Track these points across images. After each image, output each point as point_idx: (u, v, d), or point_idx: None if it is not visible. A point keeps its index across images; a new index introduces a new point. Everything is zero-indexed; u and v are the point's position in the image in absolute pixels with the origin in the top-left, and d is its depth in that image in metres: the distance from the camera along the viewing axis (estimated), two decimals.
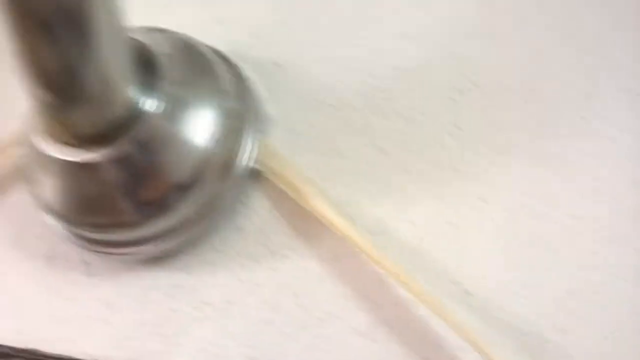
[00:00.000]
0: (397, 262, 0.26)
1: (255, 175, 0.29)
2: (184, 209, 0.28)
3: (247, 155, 0.29)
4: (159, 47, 0.27)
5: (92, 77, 0.24)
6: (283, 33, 0.32)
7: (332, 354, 0.27)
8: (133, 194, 0.28)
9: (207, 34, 0.31)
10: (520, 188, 0.28)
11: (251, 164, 0.29)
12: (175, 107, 0.27)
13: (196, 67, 0.28)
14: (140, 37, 0.28)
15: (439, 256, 0.27)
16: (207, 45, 0.30)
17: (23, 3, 0.21)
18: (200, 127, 0.27)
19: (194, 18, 0.33)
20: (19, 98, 0.34)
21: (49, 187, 0.29)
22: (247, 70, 0.31)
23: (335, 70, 0.31)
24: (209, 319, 0.28)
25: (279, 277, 0.28)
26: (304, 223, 0.28)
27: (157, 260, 0.30)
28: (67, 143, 0.27)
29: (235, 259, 0.29)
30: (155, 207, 0.28)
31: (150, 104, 0.26)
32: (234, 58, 0.31)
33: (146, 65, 0.26)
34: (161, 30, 0.30)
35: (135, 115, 0.26)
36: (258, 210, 0.29)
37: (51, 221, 0.30)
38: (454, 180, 0.28)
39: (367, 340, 0.27)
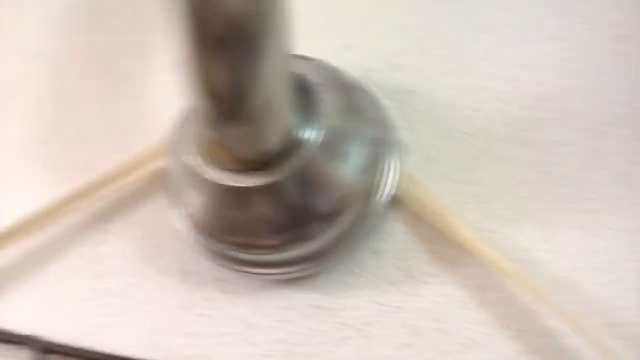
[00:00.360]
0: (544, 290, 0.27)
1: (394, 201, 0.30)
2: (325, 237, 0.29)
3: (389, 183, 0.29)
4: (312, 76, 0.28)
5: (257, 98, 0.25)
6: (415, 60, 0.33)
7: None
8: (278, 222, 0.28)
9: (337, 60, 0.32)
10: None
11: (391, 191, 0.29)
12: (332, 139, 0.27)
13: (345, 96, 0.29)
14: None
15: (587, 286, 0.27)
16: (345, 73, 0.31)
17: (200, 21, 0.22)
18: (351, 158, 0.28)
19: (323, 44, 0.34)
20: (153, 113, 0.36)
21: (197, 205, 0.30)
22: (383, 98, 0.32)
23: (471, 99, 0.31)
24: (348, 341, 0.29)
25: (419, 302, 0.29)
26: (444, 248, 0.29)
27: (294, 281, 0.30)
28: (223, 166, 0.28)
29: (374, 282, 0.29)
30: (297, 235, 0.29)
31: (309, 134, 0.27)
32: (368, 85, 0.32)
33: (304, 93, 0.27)
34: (304, 58, 0.31)
35: (292, 145, 0.27)
36: (396, 235, 0.30)
37: (191, 237, 0.31)
38: (600, 212, 0.28)
39: None
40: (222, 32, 0.22)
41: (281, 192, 0.28)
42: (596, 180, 0.29)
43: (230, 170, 0.27)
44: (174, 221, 0.32)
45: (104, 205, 0.35)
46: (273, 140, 0.27)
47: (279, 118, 0.26)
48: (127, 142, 0.36)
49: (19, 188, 0.36)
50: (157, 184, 0.34)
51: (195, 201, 0.30)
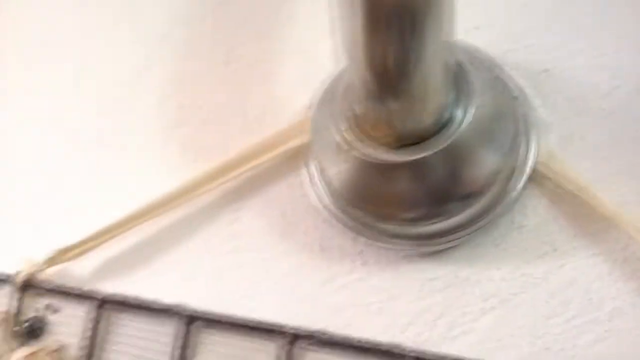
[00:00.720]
0: None
1: (535, 177, 0.30)
2: (468, 213, 0.30)
3: (530, 159, 0.30)
4: (460, 57, 0.29)
5: (418, 75, 0.26)
6: (545, 39, 0.33)
7: (624, 348, 0.28)
8: (423, 197, 0.30)
9: (468, 41, 0.33)
10: None
11: (533, 168, 0.30)
12: (481, 117, 0.28)
13: (490, 75, 0.30)
14: None
15: None
16: (485, 53, 0.32)
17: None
18: (497, 137, 0.29)
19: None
20: (281, 96, 0.37)
21: (344, 178, 0.31)
22: (517, 77, 0.32)
23: (607, 76, 0.31)
24: (491, 311, 0.30)
25: (564, 274, 0.29)
26: (587, 222, 0.29)
27: (436, 253, 0.31)
28: (374, 142, 0.29)
29: (517, 254, 0.30)
30: (440, 210, 0.30)
31: (460, 113, 0.28)
32: (502, 64, 0.33)
33: (456, 73, 0.28)
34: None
35: (444, 123, 0.28)
36: (538, 210, 0.30)
37: (333, 210, 0.33)
38: None
39: None
40: (391, 9, 0.24)
41: (428, 168, 0.29)
42: None
43: (381, 146, 0.29)
44: (314, 196, 0.34)
45: (238, 184, 0.36)
46: (428, 116, 0.28)
47: (435, 96, 0.28)
48: (258, 124, 0.37)
49: (156, 169, 0.39)
50: (291, 163, 0.36)
51: (342, 175, 0.31)
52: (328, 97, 0.33)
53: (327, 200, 0.33)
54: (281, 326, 0.32)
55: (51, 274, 0.38)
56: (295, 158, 0.35)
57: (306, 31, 0.37)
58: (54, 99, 0.43)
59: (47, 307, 0.38)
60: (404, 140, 0.28)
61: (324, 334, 0.31)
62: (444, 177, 0.29)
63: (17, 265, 0.38)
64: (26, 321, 0.37)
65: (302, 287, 0.33)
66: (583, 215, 0.29)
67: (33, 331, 0.37)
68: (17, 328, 0.38)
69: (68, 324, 0.37)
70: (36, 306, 0.38)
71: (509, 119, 0.30)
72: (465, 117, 0.28)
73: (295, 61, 0.38)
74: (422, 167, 0.28)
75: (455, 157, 0.28)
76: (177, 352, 0.33)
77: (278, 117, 0.37)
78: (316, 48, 0.36)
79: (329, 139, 0.31)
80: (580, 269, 0.29)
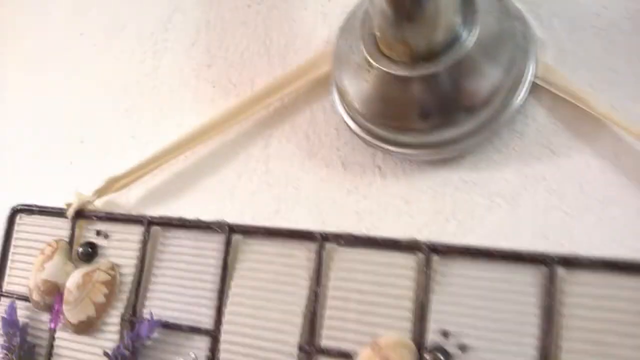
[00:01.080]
0: None
1: (533, 89, 0.34)
2: (474, 122, 0.33)
3: (530, 73, 0.34)
4: None
5: (430, 2, 0.30)
6: None
7: (615, 233, 0.31)
8: (434, 107, 0.33)
9: None
10: None
11: (532, 80, 0.34)
12: (484, 37, 0.32)
13: (490, 0, 0.34)
14: None
15: None
16: None
17: None
18: (499, 54, 0.33)
19: None
20: (302, 34, 0.41)
21: (364, 95, 0.35)
22: (516, 1, 0.36)
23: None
24: (500, 207, 0.34)
25: (562, 172, 0.33)
26: (581, 125, 0.33)
27: (446, 160, 0.35)
28: (391, 60, 0.33)
29: (519, 158, 0.34)
30: (449, 120, 0.33)
31: (466, 34, 0.32)
32: None
33: None
34: None
35: (452, 42, 0.32)
36: (537, 118, 0.34)
37: (353, 126, 0.36)
38: None
39: None
40: None
41: (439, 82, 0.32)
42: None
43: (397, 63, 0.33)
44: (336, 119, 0.37)
45: (268, 113, 0.40)
46: (438, 36, 0.31)
47: (444, 17, 0.31)
48: (281, 59, 0.41)
49: (190, 106, 0.43)
50: (314, 91, 0.39)
51: (362, 93, 0.35)
52: (347, 29, 0.37)
53: (348, 121, 0.37)
54: (311, 232, 0.36)
55: (100, 205, 0.43)
56: (317, 87, 0.39)
57: None
58: (96, 46, 0.47)
59: (98, 232, 0.42)
60: (417, 58, 0.32)
61: (350, 235, 0.35)
62: (452, 89, 0.33)
63: (70, 198, 0.43)
64: (80, 246, 0.42)
65: (328, 198, 0.37)
66: (577, 120, 0.33)
67: (87, 254, 0.42)
68: (72, 253, 0.42)
69: (118, 247, 0.41)
70: (88, 233, 0.43)
71: (510, 38, 0.33)
72: (471, 36, 0.32)
73: (313, 1, 0.41)
74: (433, 81, 0.32)
75: (462, 71, 0.32)
76: (221, 262, 0.37)
77: (299, 53, 0.41)
78: None
79: (350, 64, 0.35)
80: (575, 166, 0.33)
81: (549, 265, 0.31)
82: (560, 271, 0.31)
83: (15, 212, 0.46)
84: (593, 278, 0.30)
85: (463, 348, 0.31)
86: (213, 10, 0.44)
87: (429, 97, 0.33)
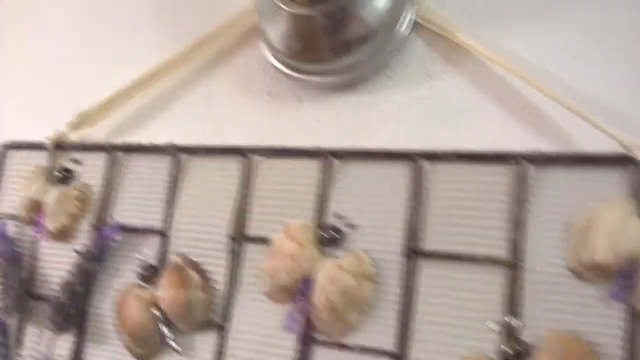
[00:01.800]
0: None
1: (416, 27, 0.42)
2: (366, 51, 0.42)
3: (410, 12, 0.42)
4: None
5: None
6: None
7: (470, 134, 0.39)
8: (333, 39, 0.41)
9: None
10: None
11: (413, 19, 0.42)
12: None
13: None
14: None
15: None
16: None
17: None
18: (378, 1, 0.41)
19: None
20: None
21: (278, 35, 0.43)
22: None
23: None
24: (389, 122, 0.42)
25: (437, 93, 0.41)
26: (454, 55, 0.41)
27: (347, 86, 0.43)
28: (294, 2, 0.41)
29: (405, 83, 0.42)
30: (344, 48, 0.42)
31: None
32: None
33: None
34: None
35: None
36: (419, 50, 0.42)
37: (275, 63, 0.45)
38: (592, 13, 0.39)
39: (503, 125, 0.39)
40: None
41: (333, 17, 0.40)
42: None
43: (300, 4, 0.41)
44: (263, 59, 0.46)
45: (209, 58, 0.49)
46: None
47: None
48: (218, 13, 0.49)
49: (144, 50, 0.51)
50: (246, 38, 0.47)
51: (279, 32, 0.43)
52: None
53: (271, 60, 0.45)
54: (240, 148, 0.44)
55: (75, 138, 0.51)
56: (249, 35, 0.47)
57: None
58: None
59: (73, 160, 0.51)
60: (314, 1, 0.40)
61: (270, 148, 0.43)
62: (345, 23, 0.41)
63: (48, 132, 0.51)
64: (58, 171, 0.50)
65: (256, 122, 0.46)
66: (450, 51, 0.41)
67: (64, 178, 0.50)
68: (50, 177, 0.50)
69: (89, 171, 0.50)
70: (65, 161, 0.51)
71: None
72: None
73: None
74: (329, 17, 0.40)
75: (352, 8, 0.40)
76: (170, 178, 0.46)
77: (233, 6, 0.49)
78: None
79: (269, 12, 0.43)
80: (447, 88, 0.41)
81: (416, 160, 0.39)
82: (426, 164, 0.39)
83: (5, 148, 0.54)
84: (450, 168, 0.38)
85: (351, 226, 0.40)
86: None
87: (327, 30, 0.41)
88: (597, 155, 0.35)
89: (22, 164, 0.53)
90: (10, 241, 0.50)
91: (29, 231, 0.51)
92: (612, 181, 0.34)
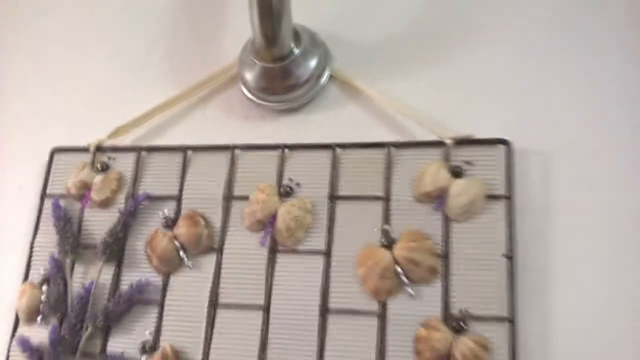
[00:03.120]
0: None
1: (330, 78, 0.74)
2: (302, 91, 0.73)
3: (328, 69, 0.74)
4: (297, 29, 0.74)
5: (280, 37, 0.70)
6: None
7: (365, 135, 0.71)
8: (283, 82, 0.73)
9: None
10: None
11: (329, 74, 0.74)
12: (305, 51, 0.72)
13: (309, 37, 0.75)
14: None
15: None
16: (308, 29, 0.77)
17: None
18: (312, 60, 0.73)
19: None
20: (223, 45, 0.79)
21: (252, 78, 0.74)
22: (322, 38, 0.77)
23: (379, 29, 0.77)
24: (319, 126, 0.73)
25: (343, 116, 0.73)
26: (353, 94, 0.73)
27: (293, 110, 0.74)
28: (263, 59, 0.72)
29: (323, 112, 0.74)
30: (290, 89, 0.73)
31: (297, 49, 0.72)
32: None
33: (296, 34, 0.72)
34: None
35: (290, 52, 0.72)
36: (332, 92, 0.74)
37: (249, 94, 0.75)
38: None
39: (379, 130, 0.71)
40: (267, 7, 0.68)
41: (285, 70, 0.72)
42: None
43: (266, 61, 0.72)
44: (242, 94, 0.76)
45: (205, 95, 0.78)
46: (284, 50, 0.71)
47: (288, 42, 0.71)
48: (214, 64, 0.79)
49: (152, 86, 0.79)
50: (230, 83, 0.77)
51: (252, 77, 0.74)
52: (246, 47, 0.76)
53: (247, 94, 0.75)
54: (228, 145, 0.73)
55: (109, 142, 0.77)
56: (232, 80, 0.77)
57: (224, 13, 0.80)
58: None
59: (109, 157, 0.76)
60: (275, 59, 0.72)
61: (249, 145, 0.73)
62: (290, 75, 0.72)
63: (91, 140, 0.77)
64: (99, 164, 0.76)
65: (237, 132, 0.75)
66: (349, 92, 0.74)
67: (103, 169, 0.76)
68: (94, 168, 0.76)
69: (123, 165, 0.76)
70: (104, 159, 0.77)
71: (317, 53, 0.74)
72: (299, 50, 0.72)
73: (231, 31, 0.80)
74: (282, 70, 0.72)
75: (294, 66, 0.72)
76: (182, 166, 0.73)
77: (221, 60, 0.79)
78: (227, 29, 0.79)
79: (246, 64, 0.74)
80: (345, 113, 0.73)
81: (334, 149, 0.70)
82: (339, 151, 0.70)
83: (52, 152, 0.79)
84: (355, 151, 0.70)
85: (298, 185, 0.69)
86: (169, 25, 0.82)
87: (281, 77, 0.73)
88: (425, 141, 0.68)
89: (68, 164, 0.78)
90: (63, 208, 0.74)
91: (78, 204, 0.75)
92: (433, 154, 0.67)
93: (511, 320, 0.58)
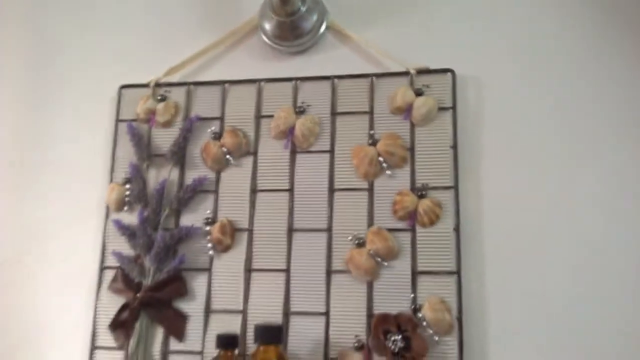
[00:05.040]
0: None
1: (327, 28, 1.02)
2: (307, 37, 1.00)
3: (325, 21, 1.02)
4: None
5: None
6: None
7: (349, 67, 1.00)
8: (293, 32, 1.00)
9: None
10: None
11: (327, 25, 1.02)
12: (309, 9, 1.00)
13: None
14: None
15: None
16: None
17: None
18: (314, 15, 1.00)
19: None
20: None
21: (269, 28, 1.01)
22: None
23: None
24: (319, 61, 1.01)
25: (336, 55, 1.01)
26: (344, 40, 1.01)
27: (300, 52, 1.02)
28: (278, 15, 0.99)
29: (323, 50, 1.02)
30: (298, 36, 1.00)
31: (303, 7, 0.99)
32: None
33: None
34: None
35: (299, 9, 0.99)
36: (328, 39, 1.02)
37: (267, 40, 1.02)
38: None
39: (364, 66, 1.00)
40: None
41: (295, 23, 0.99)
42: None
43: (280, 16, 0.99)
44: (261, 39, 1.03)
45: (236, 39, 1.05)
46: (295, 7, 0.98)
47: (297, 3, 0.98)
48: (238, 17, 1.05)
49: (186, 40, 1.06)
50: (253, 31, 1.04)
51: (270, 27, 1.01)
52: (264, 3, 1.03)
53: (265, 40, 1.03)
54: (254, 79, 1.01)
55: (164, 79, 1.04)
56: (254, 29, 1.04)
57: None
58: None
59: (165, 91, 1.03)
60: (288, 14, 0.99)
61: (270, 78, 1.00)
62: (299, 25, 1.00)
63: (150, 78, 1.04)
64: (160, 96, 1.03)
65: (261, 68, 1.02)
66: (342, 38, 1.01)
67: (162, 99, 1.03)
68: (154, 99, 1.03)
69: (176, 96, 1.03)
70: (161, 91, 1.03)
71: (316, 9, 1.01)
72: (304, 7, 0.99)
73: None
74: (293, 23, 0.99)
75: (301, 19, 0.99)
76: (221, 97, 1.01)
77: (244, 14, 1.05)
78: None
79: (265, 17, 1.01)
80: (337, 54, 1.01)
81: (332, 79, 0.98)
82: (336, 79, 0.98)
83: (120, 88, 1.05)
84: (353, 81, 0.98)
85: (308, 105, 0.98)
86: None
87: (292, 28, 1.00)
88: (396, 72, 0.96)
89: (132, 97, 1.05)
90: (136, 128, 1.02)
91: (146, 126, 1.03)
92: (402, 81, 0.96)
93: (456, 188, 0.90)
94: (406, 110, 0.94)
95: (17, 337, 0.99)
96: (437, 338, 0.84)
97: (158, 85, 1.04)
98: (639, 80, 0.90)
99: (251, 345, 0.88)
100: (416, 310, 0.85)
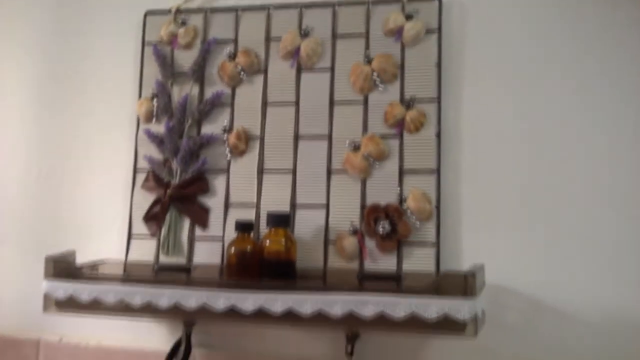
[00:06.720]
0: None
1: None
2: None
3: None
4: None
5: None
6: None
7: None
8: None
9: None
10: None
11: None
12: None
13: None
14: None
15: None
16: None
17: None
18: None
19: None
20: None
21: None
22: None
23: None
24: None
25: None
26: None
27: None
28: None
29: None
30: None
31: None
32: None
33: None
34: None
35: None
36: None
37: None
38: None
39: None
40: None
41: None
42: None
43: None
44: None
45: None
46: None
47: None
48: None
49: None
50: None
51: None
52: None
53: None
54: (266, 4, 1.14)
55: (184, 6, 1.17)
56: None
57: None
58: None
59: (185, 16, 1.17)
60: None
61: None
62: None
63: (171, 4, 1.17)
64: (181, 20, 1.16)
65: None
66: None
67: (183, 24, 1.16)
68: (175, 24, 1.16)
69: (195, 21, 1.16)
70: (182, 17, 1.17)
71: None
72: None
73: None
74: None
75: None
76: (235, 23, 1.14)
77: None
78: None
79: None
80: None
81: (334, 5, 1.11)
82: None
83: (145, 14, 1.19)
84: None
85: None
86: None
87: None
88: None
89: (157, 22, 1.18)
90: (160, 49, 1.16)
91: (168, 48, 1.17)
92: (395, 7, 1.09)
93: (439, 100, 1.04)
94: (397, 33, 1.07)
95: (67, 230, 1.17)
96: (418, 224, 1.00)
97: (179, 11, 1.17)
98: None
99: (263, 232, 1.05)
100: (402, 201, 1.01)
